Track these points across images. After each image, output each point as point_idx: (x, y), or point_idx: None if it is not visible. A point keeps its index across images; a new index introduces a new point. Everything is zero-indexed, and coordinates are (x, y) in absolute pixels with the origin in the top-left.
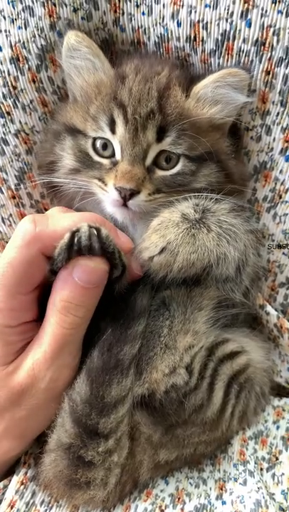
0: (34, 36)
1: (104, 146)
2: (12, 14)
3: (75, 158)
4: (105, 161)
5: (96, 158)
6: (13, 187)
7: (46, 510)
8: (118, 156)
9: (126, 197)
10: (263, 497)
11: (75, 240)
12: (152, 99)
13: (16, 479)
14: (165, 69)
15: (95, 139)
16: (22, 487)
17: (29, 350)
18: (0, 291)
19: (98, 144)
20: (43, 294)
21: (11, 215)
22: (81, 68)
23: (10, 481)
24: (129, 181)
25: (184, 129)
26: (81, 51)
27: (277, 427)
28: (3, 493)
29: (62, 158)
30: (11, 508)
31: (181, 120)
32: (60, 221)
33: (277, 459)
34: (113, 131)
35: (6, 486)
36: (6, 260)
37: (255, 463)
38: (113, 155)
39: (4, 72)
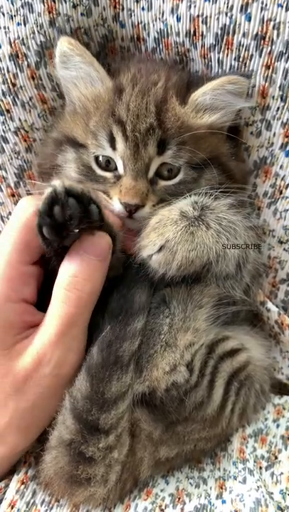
0: (33, 33)
1: (107, 162)
2: (11, 10)
3: (78, 172)
4: (109, 175)
5: (99, 172)
6: (12, 185)
7: (47, 510)
8: (121, 170)
9: (131, 211)
10: (263, 496)
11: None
12: (150, 115)
13: (16, 478)
14: (161, 77)
15: (97, 156)
16: (22, 486)
17: (34, 335)
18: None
19: (101, 159)
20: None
21: (9, 213)
22: (76, 79)
23: (11, 480)
24: (134, 197)
25: (184, 141)
26: (74, 60)
27: (277, 426)
28: (4, 493)
29: (65, 170)
30: (12, 507)
31: (181, 133)
32: None
33: (276, 457)
34: (114, 147)
35: (7, 486)
36: (5, 232)
37: (255, 461)
38: (116, 168)
39: (4, 69)
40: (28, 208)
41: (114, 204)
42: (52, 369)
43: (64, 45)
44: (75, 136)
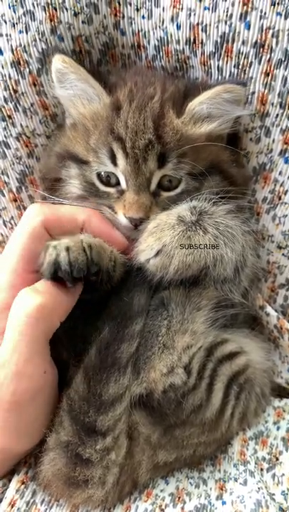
0: (35, 40)
1: (109, 177)
2: (13, 18)
3: (82, 188)
4: (112, 190)
5: (102, 188)
6: (14, 190)
7: (46, 509)
8: (123, 185)
9: (137, 224)
10: (264, 497)
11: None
12: (149, 130)
13: (16, 478)
14: (157, 90)
15: (99, 172)
16: (23, 486)
17: None
18: (4, 271)
19: (103, 175)
20: None
21: (12, 217)
22: (73, 97)
23: (10, 480)
24: (138, 211)
25: (184, 152)
26: (69, 77)
27: (278, 428)
28: (3, 492)
29: (68, 185)
30: (12, 507)
31: (181, 146)
32: (62, 206)
33: (277, 459)
34: (115, 163)
35: (5, 485)
36: (13, 239)
37: (256, 463)
38: (119, 183)
39: (5, 76)
40: (35, 216)
41: (119, 218)
42: (4, 395)
43: (58, 63)
44: (76, 153)
